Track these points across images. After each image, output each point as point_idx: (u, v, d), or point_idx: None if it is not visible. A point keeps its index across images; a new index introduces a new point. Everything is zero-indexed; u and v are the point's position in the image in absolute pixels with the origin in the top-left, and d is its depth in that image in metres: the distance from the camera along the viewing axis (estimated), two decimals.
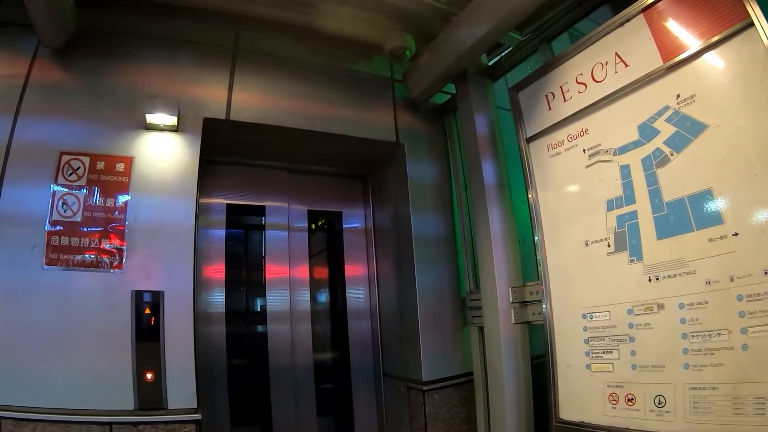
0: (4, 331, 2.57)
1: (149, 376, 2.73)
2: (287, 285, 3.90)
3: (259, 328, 3.90)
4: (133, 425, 2.64)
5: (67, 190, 2.83)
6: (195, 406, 2.78)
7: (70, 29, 2.95)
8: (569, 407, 2.73)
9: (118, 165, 2.94)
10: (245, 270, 4.06)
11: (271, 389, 3.71)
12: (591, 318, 2.65)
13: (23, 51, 2.95)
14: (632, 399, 2.38)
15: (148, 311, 2.80)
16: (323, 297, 4.49)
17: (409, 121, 3.90)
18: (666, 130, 2.33)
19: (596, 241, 2.64)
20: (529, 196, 3.07)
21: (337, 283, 4.31)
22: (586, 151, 2.74)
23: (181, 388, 2.78)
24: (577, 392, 2.70)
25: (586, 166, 2.73)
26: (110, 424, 2.60)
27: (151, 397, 2.72)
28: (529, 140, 3.12)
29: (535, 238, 3.01)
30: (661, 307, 2.28)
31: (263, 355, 3.76)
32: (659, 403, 2.26)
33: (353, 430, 3.97)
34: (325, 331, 4.14)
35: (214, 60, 3.38)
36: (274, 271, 3.90)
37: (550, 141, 2.98)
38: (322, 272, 4.67)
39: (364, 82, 3.85)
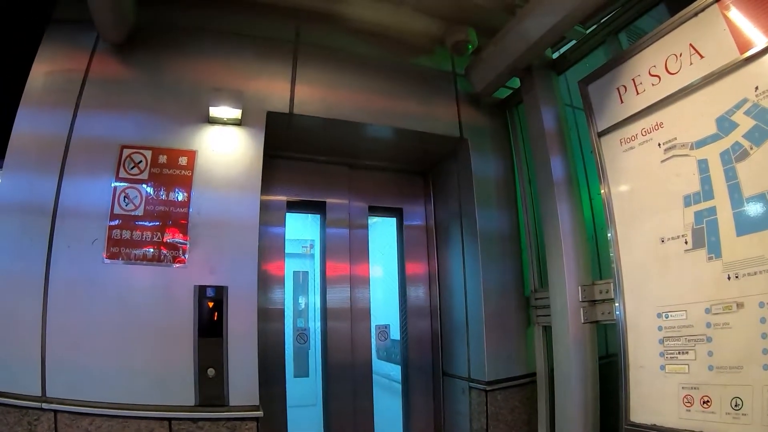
0: (64, 325, 2.69)
1: (211, 371, 2.81)
2: (347, 282, 4.02)
3: (319, 325, 4.05)
4: (193, 421, 2.73)
5: (128, 183, 2.95)
6: (257, 403, 2.86)
7: (130, 24, 3.08)
8: (641, 410, 2.74)
9: (180, 159, 3.06)
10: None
11: (329, 387, 3.82)
12: (666, 317, 2.65)
13: (82, 46, 3.09)
14: (708, 401, 2.38)
15: (211, 306, 2.89)
16: (384, 294, 4.59)
17: (473, 116, 3.96)
18: (745, 123, 2.31)
19: (673, 238, 2.64)
20: (602, 191, 3.08)
21: (397, 281, 4.38)
22: (662, 146, 2.74)
23: (243, 385, 2.87)
24: (649, 394, 2.70)
25: (662, 161, 2.74)
26: (169, 420, 2.70)
27: (212, 393, 2.81)
28: (601, 134, 3.13)
29: (608, 234, 3.01)
30: (740, 306, 2.27)
31: (323, 353, 3.90)
32: (736, 406, 2.25)
33: (410, 428, 4.04)
34: (385, 328, 4.22)
35: (277, 54, 3.48)
36: (334, 268, 4.02)
37: (623, 135, 2.99)
38: (383, 269, 4.82)
39: (426, 77, 3.92)
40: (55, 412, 2.58)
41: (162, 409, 2.70)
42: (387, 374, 5.19)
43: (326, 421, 3.83)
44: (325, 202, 4.09)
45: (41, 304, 2.68)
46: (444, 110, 3.90)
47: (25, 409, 2.57)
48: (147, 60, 3.19)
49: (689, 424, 2.47)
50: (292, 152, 4.02)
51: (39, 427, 2.56)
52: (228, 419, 2.79)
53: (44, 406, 2.57)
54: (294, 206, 4.08)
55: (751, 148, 2.29)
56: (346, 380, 3.88)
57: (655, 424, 2.65)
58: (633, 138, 2.94)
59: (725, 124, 2.42)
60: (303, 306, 4.53)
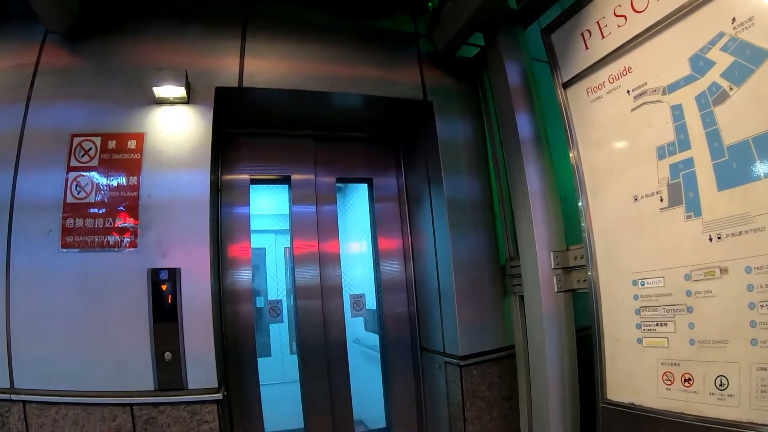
0: (25, 317, 2.51)
1: (168, 355, 2.57)
2: (316, 259, 3.59)
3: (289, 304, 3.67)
4: (154, 406, 2.54)
5: (79, 172, 2.71)
6: (215, 385, 2.61)
7: (74, 12, 2.81)
8: (618, 387, 2.34)
9: (129, 142, 2.79)
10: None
11: (304, 366, 3.45)
12: (642, 285, 2.23)
13: (31, 40, 2.85)
14: (690, 379, 1.97)
15: (164, 289, 2.62)
16: (356, 270, 4.19)
17: (438, 78, 3.47)
18: (722, 60, 1.88)
19: (647, 196, 2.21)
20: (569, 148, 2.64)
21: (369, 256, 3.98)
22: (631, 92, 2.29)
23: (202, 368, 2.61)
24: (626, 370, 2.30)
25: (632, 110, 2.29)
26: (131, 405, 2.52)
27: (170, 377, 2.58)
28: (566, 85, 2.68)
29: (578, 195, 2.58)
30: (724, 271, 1.85)
31: (296, 332, 3.53)
32: (721, 385, 1.85)
33: (390, 406, 3.66)
34: (359, 298, 3.80)
35: (225, 29, 3.13)
36: (301, 246, 3.60)
37: (590, 84, 2.54)
38: (354, 245, 4.42)
39: (386, 41, 3.45)
40: (24, 402, 2.46)
41: (123, 395, 2.52)
42: (374, 346, 4.79)
43: (303, 399, 3.44)
44: (290, 177, 3.64)
45: (4, 298, 2.52)
46: (406, 74, 3.41)
47: None
48: (94, 47, 2.93)
49: (669, 405, 2.07)
50: (253, 128, 3.59)
51: (11, 419, 2.45)
52: (187, 403, 2.58)
53: (13, 397, 2.45)
54: (259, 183, 3.66)
55: (731, 89, 1.85)
56: (320, 359, 3.47)
57: (633, 403, 2.25)
58: (600, 86, 2.49)
59: (700, 64, 1.97)
60: (272, 284, 4.07)
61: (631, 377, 2.27)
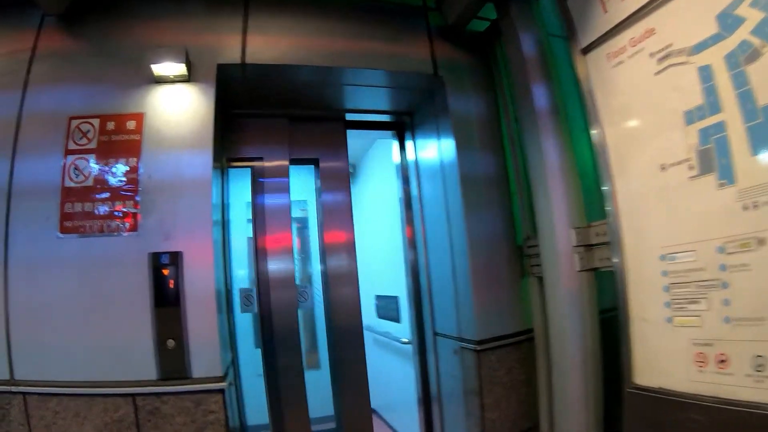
0: (25, 305, 2.43)
1: (171, 343, 2.46)
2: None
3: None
4: (157, 396, 2.42)
5: (78, 155, 2.61)
6: (221, 374, 2.48)
7: None
8: (646, 370, 2.17)
9: (128, 123, 2.67)
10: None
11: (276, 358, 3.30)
12: (672, 259, 2.05)
13: (29, 25, 2.77)
14: (724, 360, 1.81)
15: (166, 273, 2.50)
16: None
17: (449, 52, 3.30)
18: (752, 16, 1.70)
19: (675, 164, 2.02)
20: (590, 117, 2.46)
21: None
22: (654, 55, 2.11)
23: (205, 355, 2.50)
24: (655, 352, 2.13)
25: (656, 73, 2.10)
26: (133, 395, 2.41)
27: (173, 365, 2.47)
28: (586, 51, 2.49)
29: (600, 166, 2.41)
30: (761, 242, 1.68)
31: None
32: (759, 367, 1.68)
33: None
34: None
35: (226, 4, 2.98)
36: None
37: (610, 49, 2.35)
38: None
39: (394, 14, 3.28)
40: (24, 394, 2.38)
41: (125, 385, 2.41)
42: (386, 332, 4.69)
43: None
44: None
45: (3, 287, 2.44)
46: (415, 48, 3.25)
47: None
48: (92, 28, 2.82)
49: (702, 388, 1.90)
50: (259, 108, 3.44)
51: (12, 411, 2.38)
52: (192, 392, 2.45)
53: (13, 389, 2.39)
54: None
55: (764, 47, 1.67)
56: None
57: (662, 387, 2.08)
58: (621, 50, 2.30)
59: (728, 21, 1.79)
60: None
61: (659, 359, 2.10)
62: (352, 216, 3.56)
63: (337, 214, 3.52)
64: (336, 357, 3.40)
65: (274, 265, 3.29)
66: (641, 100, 2.21)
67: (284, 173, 3.40)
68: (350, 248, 3.50)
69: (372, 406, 3.53)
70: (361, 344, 3.40)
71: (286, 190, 3.37)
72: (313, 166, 3.64)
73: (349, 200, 3.58)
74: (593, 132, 2.44)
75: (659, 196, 2.12)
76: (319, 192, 3.57)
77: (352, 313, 3.42)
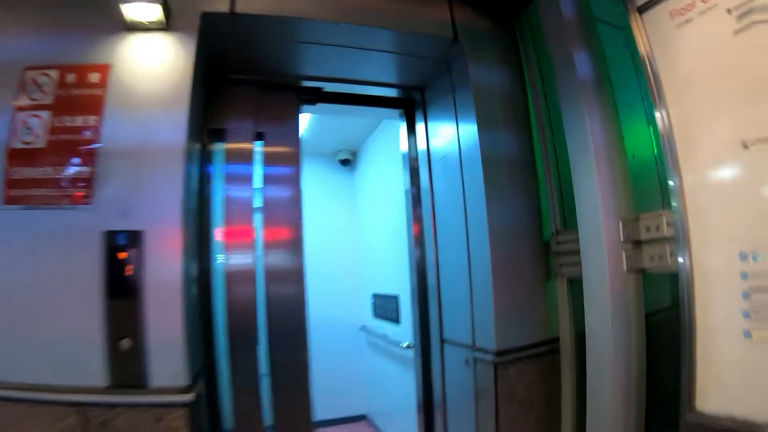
0: None
1: (126, 343, 2.00)
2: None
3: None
4: (109, 407, 1.96)
5: (30, 111, 2.18)
6: (185, 383, 2.02)
7: None
8: (712, 393, 1.75)
9: (91, 76, 2.23)
10: None
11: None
12: (755, 260, 1.64)
13: None
14: None
15: (122, 257, 2.04)
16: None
17: (470, 18, 2.87)
18: None
19: (762, 140, 1.61)
20: (649, 85, 2.03)
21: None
22: (732, 11, 1.71)
23: (168, 359, 2.03)
24: (727, 372, 1.72)
25: (736, 32, 1.71)
26: (82, 404, 1.95)
27: (128, 371, 2.00)
28: (642, 9, 2.07)
29: (662, 145, 1.98)
30: None
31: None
32: None
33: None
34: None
35: None
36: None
37: (674, 5, 1.93)
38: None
39: None
40: None
41: (73, 392, 1.95)
42: (383, 335, 4.25)
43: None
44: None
45: None
46: (433, 9, 2.80)
47: None
48: None
49: None
50: (261, 75, 3.01)
51: None
52: (150, 405, 1.99)
53: None
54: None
55: None
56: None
57: (733, 416, 1.67)
58: (689, 6, 1.89)
59: None
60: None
61: (732, 382, 1.69)
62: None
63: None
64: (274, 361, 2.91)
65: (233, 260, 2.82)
66: (716, 65, 1.80)
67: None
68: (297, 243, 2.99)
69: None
70: (304, 347, 2.91)
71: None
72: None
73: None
74: (654, 104, 2.00)
75: (739, 180, 1.72)
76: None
77: (295, 315, 2.92)
